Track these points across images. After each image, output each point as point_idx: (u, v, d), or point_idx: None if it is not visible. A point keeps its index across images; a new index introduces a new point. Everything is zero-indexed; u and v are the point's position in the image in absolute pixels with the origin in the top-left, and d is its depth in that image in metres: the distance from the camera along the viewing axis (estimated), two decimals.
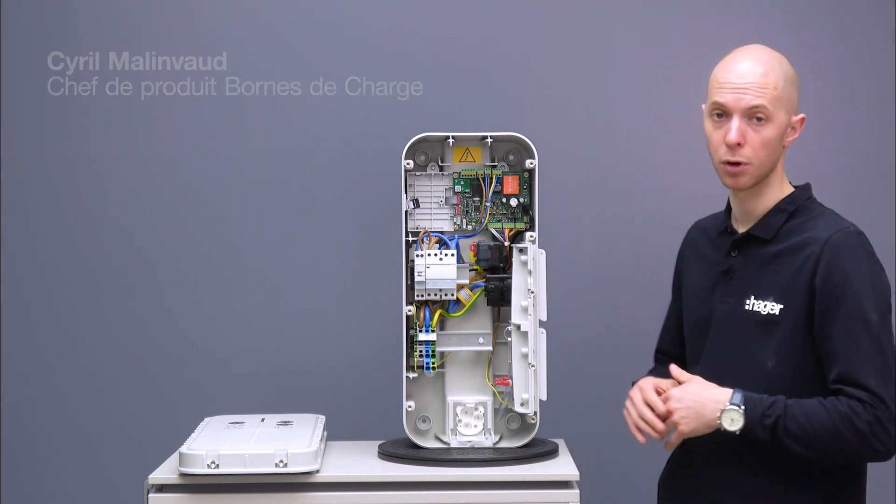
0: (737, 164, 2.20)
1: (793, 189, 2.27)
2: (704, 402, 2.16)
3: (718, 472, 2.25)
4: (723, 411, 2.13)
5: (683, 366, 2.33)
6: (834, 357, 2.12)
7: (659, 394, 2.26)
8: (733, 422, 2.12)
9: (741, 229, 2.27)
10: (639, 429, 2.27)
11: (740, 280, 2.23)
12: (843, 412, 2.08)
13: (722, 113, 2.21)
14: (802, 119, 2.24)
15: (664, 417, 2.23)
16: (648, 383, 2.29)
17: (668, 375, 2.31)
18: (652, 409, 2.25)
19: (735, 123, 2.19)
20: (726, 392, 2.15)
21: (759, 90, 2.17)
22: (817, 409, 2.10)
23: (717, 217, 2.39)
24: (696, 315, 2.33)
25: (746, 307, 2.20)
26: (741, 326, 2.21)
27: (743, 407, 2.12)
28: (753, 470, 2.20)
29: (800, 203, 2.23)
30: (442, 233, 2.53)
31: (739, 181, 2.21)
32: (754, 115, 2.18)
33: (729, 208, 2.33)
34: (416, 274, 2.47)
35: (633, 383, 2.44)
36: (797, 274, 2.15)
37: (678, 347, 2.44)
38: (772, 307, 2.17)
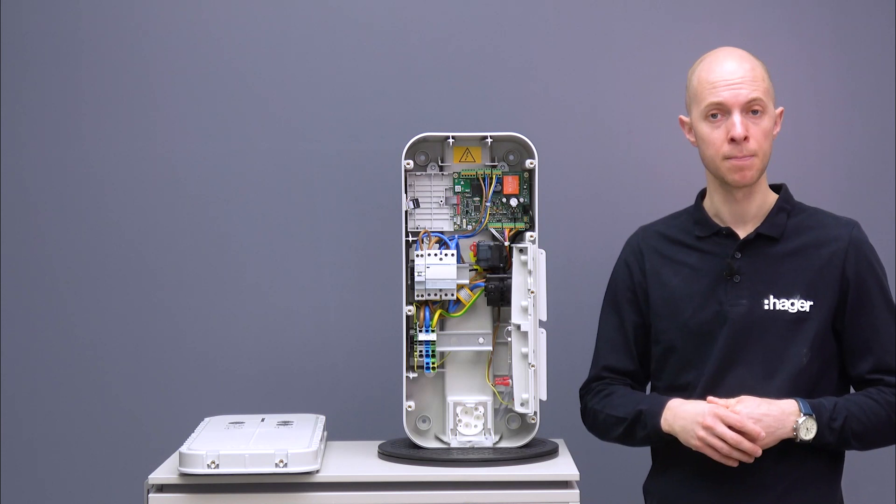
0: (744, 157, 2.23)
1: (774, 187, 2.32)
2: (778, 417, 2.16)
3: (751, 476, 2.23)
4: (798, 422, 2.15)
5: (641, 383, 2.37)
6: (868, 347, 2.18)
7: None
8: (808, 430, 2.16)
9: (740, 230, 2.27)
10: (732, 457, 2.21)
11: (752, 281, 2.22)
12: (893, 401, 2.15)
13: (718, 113, 2.22)
14: (781, 112, 2.31)
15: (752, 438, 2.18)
16: (722, 409, 2.19)
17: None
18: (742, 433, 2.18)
19: (738, 118, 2.21)
20: (792, 403, 2.17)
21: (753, 83, 2.23)
22: (870, 404, 2.16)
23: (673, 222, 2.39)
24: (689, 321, 2.31)
25: (766, 307, 2.20)
26: (766, 326, 2.21)
27: (814, 414, 2.15)
28: (787, 466, 2.21)
29: (792, 202, 2.30)
30: (442, 233, 2.53)
31: (747, 175, 2.23)
32: (751, 109, 2.24)
33: (698, 211, 2.34)
34: (416, 274, 2.47)
35: (609, 405, 2.40)
36: (824, 270, 2.20)
37: (631, 363, 2.42)
38: (801, 304, 2.20)
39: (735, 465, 2.19)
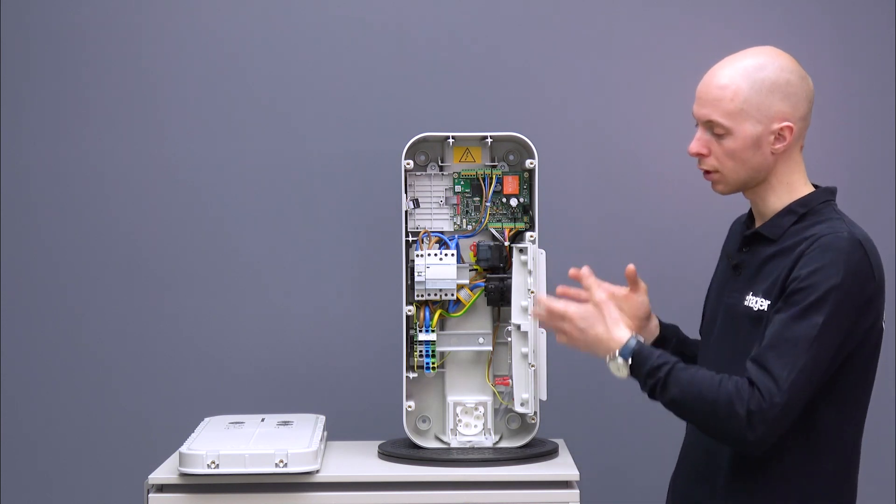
0: (707, 172, 2.22)
1: (812, 189, 2.22)
2: (597, 341, 2.17)
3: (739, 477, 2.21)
4: (610, 359, 2.15)
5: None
6: (764, 338, 2.08)
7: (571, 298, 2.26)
8: (619, 370, 2.14)
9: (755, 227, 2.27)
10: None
11: (745, 276, 2.23)
12: (729, 391, 2.05)
13: (696, 122, 2.23)
14: (790, 128, 2.16)
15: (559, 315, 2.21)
16: (557, 291, 2.27)
17: (694, 342, 2.35)
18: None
19: (697, 134, 2.20)
20: (622, 339, 2.15)
21: (714, 103, 2.16)
22: (705, 379, 2.08)
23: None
24: (710, 308, 2.33)
25: (746, 303, 2.20)
26: (740, 321, 2.21)
27: (630, 361, 2.13)
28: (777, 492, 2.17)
29: (812, 206, 2.19)
30: (442, 233, 2.53)
31: (716, 188, 2.24)
32: (711, 128, 2.18)
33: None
34: (416, 274, 2.47)
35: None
36: (779, 274, 2.14)
37: None
38: (761, 304, 2.16)
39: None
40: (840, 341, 2.08)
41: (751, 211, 2.30)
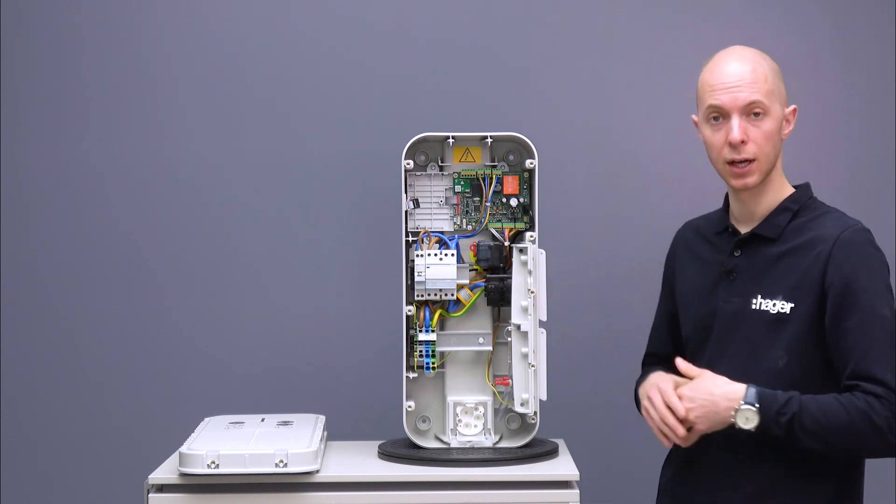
0: (743, 163, 2.21)
1: (793, 189, 2.28)
2: (717, 401, 2.14)
3: (725, 473, 2.24)
4: (737, 410, 2.12)
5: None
6: (848, 353, 2.11)
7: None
8: (748, 420, 2.11)
9: (743, 229, 2.27)
10: (663, 433, 2.24)
11: (745, 280, 2.23)
12: (861, 408, 2.08)
13: (719, 116, 2.22)
14: (794, 110, 2.26)
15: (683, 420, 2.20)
16: (668, 384, 2.23)
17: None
18: (673, 411, 2.21)
19: (736, 122, 2.20)
20: (740, 389, 2.13)
21: (753, 85, 2.20)
22: (833, 404, 2.09)
23: (709, 217, 2.39)
24: (696, 314, 2.33)
25: (753, 306, 2.20)
26: (749, 325, 2.20)
27: (757, 405, 2.11)
28: (760, 468, 2.19)
29: (803, 202, 2.24)
30: (442, 233, 2.53)
31: (748, 181, 2.22)
32: (752, 111, 2.20)
33: (727, 208, 2.34)
34: (416, 274, 2.47)
35: (638, 383, 2.43)
36: (807, 272, 2.16)
37: (670, 348, 2.44)
38: (782, 306, 2.17)
39: (667, 443, 2.24)
40: None
41: (723, 215, 2.31)
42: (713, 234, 2.34)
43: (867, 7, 3.06)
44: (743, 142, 2.20)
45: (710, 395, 2.15)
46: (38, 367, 3.02)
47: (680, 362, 2.24)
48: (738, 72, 2.21)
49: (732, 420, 2.13)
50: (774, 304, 2.17)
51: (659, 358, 2.44)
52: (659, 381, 2.26)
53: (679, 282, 2.40)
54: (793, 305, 2.16)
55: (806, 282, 2.15)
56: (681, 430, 2.20)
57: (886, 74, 3.05)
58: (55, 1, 3.02)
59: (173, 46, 3.02)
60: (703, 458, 2.28)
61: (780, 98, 2.23)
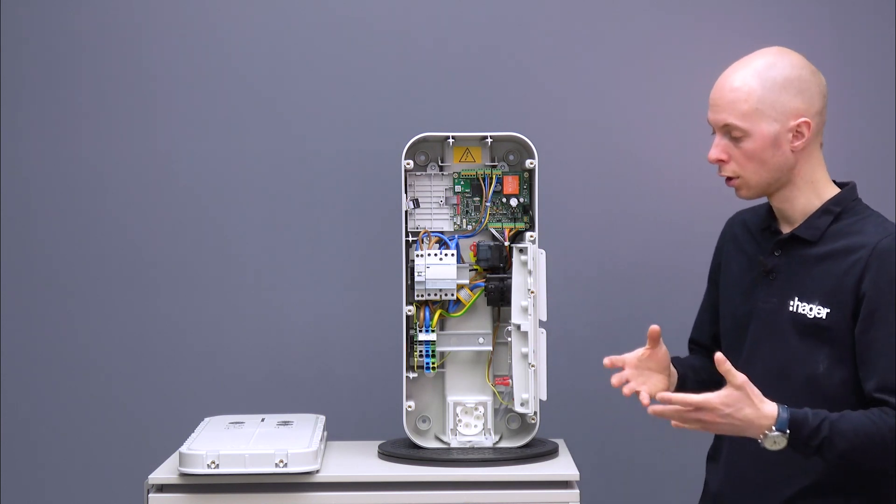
0: (728, 178, 2.21)
1: (838, 189, 2.23)
2: (751, 422, 2.08)
3: (763, 478, 2.22)
4: (766, 435, 2.08)
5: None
6: (874, 365, 2.09)
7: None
8: (776, 443, 2.08)
9: (785, 229, 2.23)
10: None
11: (784, 281, 2.20)
12: (893, 425, 2.06)
13: (713, 129, 2.22)
14: (807, 123, 2.19)
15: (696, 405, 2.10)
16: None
17: (701, 363, 2.32)
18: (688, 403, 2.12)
19: (715, 140, 2.20)
20: (772, 414, 2.08)
21: (729, 107, 2.16)
22: (864, 423, 2.07)
23: (757, 211, 2.35)
24: (736, 310, 2.30)
25: (790, 308, 2.17)
26: (786, 328, 2.18)
27: (788, 431, 2.07)
28: (797, 474, 2.18)
29: (846, 205, 2.20)
30: (442, 233, 2.53)
31: (739, 194, 2.22)
32: (729, 132, 2.18)
33: (770, 205, 2.30)
34: (416, 274, 2.47)
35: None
36: (844, 278, 2.13)
37: (708, 339, 2.42)
38: (818, 311, 2.14)
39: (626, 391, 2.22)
40: None
41: (768, 212, 2.28)
42: (758, 231, 2.29)
43: (867, 7, 3.05)
44: (721, 160, 2.19)
45: (744, 418, 2.08)
46: (38, 367, 3.02)
47: (720, 360, 2.12)
48: (719, 89, 2.19)
49: (759, 441, 2.09)
50: (811, 309, 2.15)
51: (699, 345, 2.43)
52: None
53: (723, 275, 2.37)
54: (829, 311, 2.13)
55: (842, 288, 2.13)
56: (690, 427, 2.13)
57: (886, 74, 3.05)
58: (55, 1, 3.01)
59: (173, 46, 3.02)
60: (739, 458, 2.25)
61: (776, 114, 2.16)
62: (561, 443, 2.55)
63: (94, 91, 3.02)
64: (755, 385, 2.12)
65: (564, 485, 2.33)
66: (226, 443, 2.36)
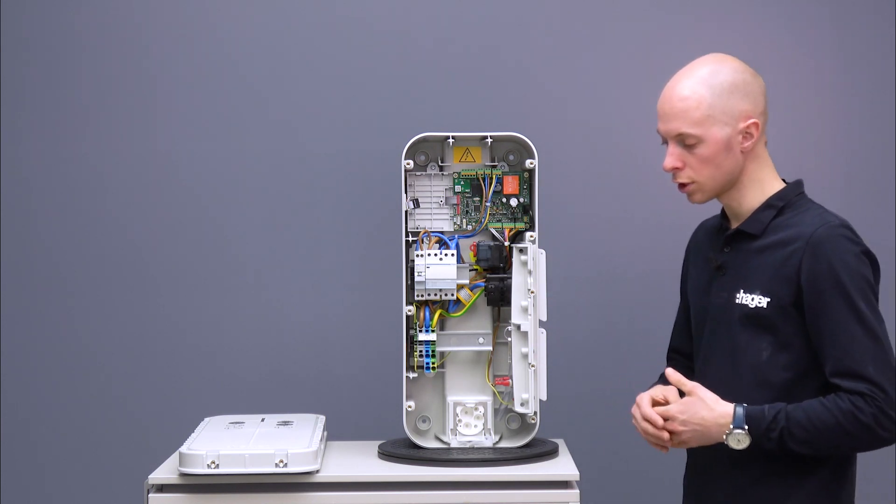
0: (682, 185, 2.26)
1: (783, 185, 2.28)
2: (709, 425, 2.17)
3: (713, 471, 2.27)
4: (728, 434, 2.15)
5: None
6: (828, 350, 2.14)
7: (659, 403, 2.26)
8: (739, 442, 2.14)
9: (734, 226, 2.30)
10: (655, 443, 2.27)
11: (732, 275, 2.26)
12: (846, 409, 2.11)
13: (663, 140, 2.26)
14: (756, 124, 2.22)
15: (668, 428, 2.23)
16: (645, 399, 2.27)
17: (685, 374, 2.32)
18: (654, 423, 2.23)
19: (668, 149, 2.25)
20: (728, 412, 2.16)
21: (680, 116, 2.22)
22: (819, 410, 2.12)
23: (716, 217, 2.41)
24: (696, 310, 2.36)
25: (737, 301, 2.23)
26: (732, 319, 2.24)
27: (746, 427, 2.14)
28: (741, 463, 2.21)
29: (789, 199, 2.25)
30: (442, 233, 2.53)
31: (693, 199, 2.28)
32: (682, 140, 2.23)
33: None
34: (416, 274, 2.47)
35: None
36: (781, 268, 2.18)
37: (688, 345, 2.44)
38: (759, 301, 2.20)
39: (664, 451, 2.26)
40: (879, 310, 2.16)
41: (723, 212, 2.34)
42: (714, 233, 2.36)
43: (867, 7, 3.05)
44: (677, 167, 2.24)
45: (701, 421, 2.18)
46: (38, 367, 3.02)
47: (670, 373, 2.25)
48: (668, 99, 2.24)
49: (725, 443, 2.16)
50: (753, 299, 2.20)
51: (678, 353, 2.46)
52: (638, 398, 2.28)
53: (688, 280, 2.43)
54: (769, 300, 2.19)
55: (780, 277, 2.18)
56: (665, 436, 2.22)
57: (886, 74, 3.05)
58: (55, 1, 3.01)
59: (173, 46, 3.02)
60: (698, 459, 2.32)
61: (727, 118, 2.21)
62: (561, 443, 2.55)
63: (94, 91, 3.02)
64: (714, 380, 2.22)
65: (564, 485, 2.33)
66: (226, 443, 2.36)
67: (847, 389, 2.12)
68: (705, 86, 2.22)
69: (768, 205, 2.25)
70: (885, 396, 2.10)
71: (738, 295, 2.23)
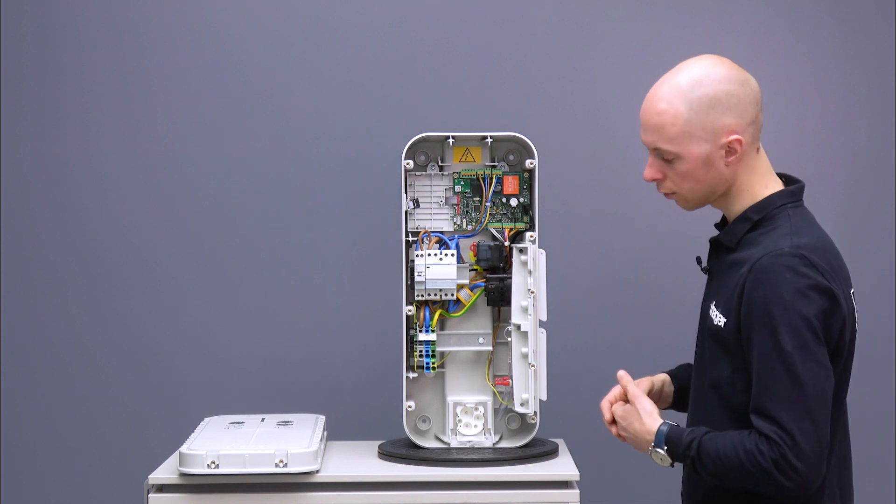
0: (666, 194, 2.20)
1: (770, 193, 2.16)
2: (639, 438, 2.15)
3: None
4: (651, 450, 2.11)
5: None
6: (753, 384, 2.04)
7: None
8: (662, 460, 2.10)
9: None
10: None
11: (712, 285, 2.20)
12: (749, 449, 2.01)
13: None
14: (738, 140, 2.09)
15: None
16: (614, 391, 2.25)
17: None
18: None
19: (650, 160, 2.17)
20: (652, 430, 2.12)
21: (657, 131, 2.12)
22: (727, 444, 2.03)
23: None
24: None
25: (710, 313, 2.15)
26: (705, 332, 2.17)
27: (665, 447, 2.09)
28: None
29: (767, 212, 2.13)
30: (442, 233, 2.53)
31: (680, 205, 2.21)
32: (660, 155, 2.15)
33: None
34: (416, 274, 2.47)
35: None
36: (733, 291, 2.09)
37: None
38: (719, 318, 2.11)
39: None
40: (822, 351, 2.02)
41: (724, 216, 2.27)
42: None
43: (867, 7, 3.05)
44: (656, 178, 2.17)
45: (634, 432, 2.17)
46: (38, 367, 3.02)
47: (621, 376, 2.22)
48: (646, 112, 2.15)
49: (650, 458, 2.12)
50: (717, 315, 2.12)
51: None
52: (612, 393, 2.27)
53: None
54: (725, 320, 2.10)
55: (731, 299, 2.09)
56: (612, 431, 2.25)
57: (886, 74, 3.05)
58: (55, 1, 3.01)
59: (174, 47, 3.02)
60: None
61: (706, 134, 2.09)
62: (561, 443, 2.55)
63: (94, 91, 3.02)
64: (693, 393, 2.18)
65: (564, 485, 2.33)
66: (226, 443, 2.36)
67: (757, 429, 2.01)
68: (684, 100, 2.09)
69: (744, 217, 2.14)
70: (793, 444, 1.97)
71: (711, 307, 2.15)
